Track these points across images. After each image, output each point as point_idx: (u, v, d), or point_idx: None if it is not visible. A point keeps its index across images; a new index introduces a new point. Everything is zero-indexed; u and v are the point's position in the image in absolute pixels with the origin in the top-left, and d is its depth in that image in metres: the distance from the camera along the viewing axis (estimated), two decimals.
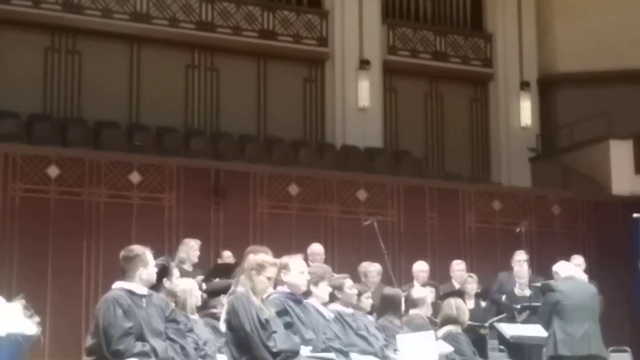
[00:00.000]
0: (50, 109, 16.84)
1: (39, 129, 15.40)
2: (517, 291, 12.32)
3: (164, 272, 7.77)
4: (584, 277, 11.64)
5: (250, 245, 9.54)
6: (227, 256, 12.11)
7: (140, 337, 6.90)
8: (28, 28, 16.74)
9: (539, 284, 11.89)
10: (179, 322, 7.45)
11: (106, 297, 7.05)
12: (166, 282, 7.85)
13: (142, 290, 7.09)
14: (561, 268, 10.89)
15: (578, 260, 12.62)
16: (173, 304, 7.77)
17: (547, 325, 10.50)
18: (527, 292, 12.22)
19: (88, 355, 7.28)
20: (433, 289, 11.60)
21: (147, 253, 7.18)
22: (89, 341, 7.18)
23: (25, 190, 13.21)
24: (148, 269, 7.12)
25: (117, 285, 7.12)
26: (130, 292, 7.04)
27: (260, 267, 7.19)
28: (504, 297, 12.48)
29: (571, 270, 10.96)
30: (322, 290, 8.20)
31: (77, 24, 17.07)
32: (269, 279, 7.23)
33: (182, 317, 7.75)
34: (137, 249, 7.22)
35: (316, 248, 12.05)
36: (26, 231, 12.98)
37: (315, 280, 8.02)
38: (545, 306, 10.59)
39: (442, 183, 16.96)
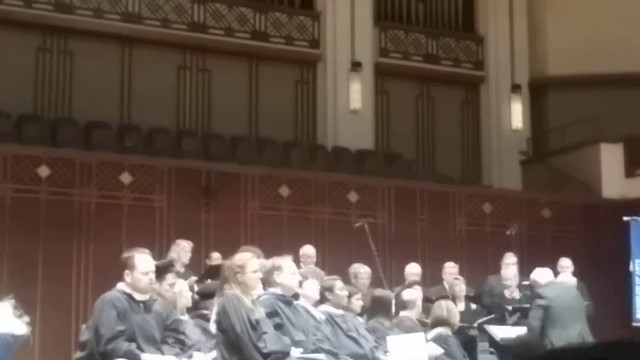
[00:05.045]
0: (42, 109, 16.81)
1: (30, 129, 15.37)
2: (507, 293, 12.33)
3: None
4: (572, 280, 11.69)
5: (240, 246, 9.55)
6: (216, 257, 12.07)
7: (133, 342, 6.88)
8: (20, 28, 16.72)
9: (527, 282, 11.91)
10: (180, 331, 7.40)
11: (104, 296, 7.03)
12: (155, 284, 7.79)
13: (140, 296, 7.04)
14: (539, 276, 10.92)
15: (566, 263, 12.64)
16: (181, 316, 7.74)
17: (537, 333, 10.48)
18: (516, 295, 12.23)
19: (81, 349, 7.29)
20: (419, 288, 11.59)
21: (137, 257, 7.09)
22: (85, 335, 7.17)
23: (15, 191, 13.18)
24: (134, 274, 7.04)
25: (119, 286, 7.08)
26: (130, 296, 6.99)
27: (241, 268, 7.14)
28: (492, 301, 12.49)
29: (549, 276, 10.99)
30: (309, 289, 8.22)
31: (69, 24, 17.05)
32: (254, 272, 7.20)
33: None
34: (130, 251, 7.17)
35: (308, 250, 12.07)
36: (16, 231, 12.95)
37: (300, 281, 8.05)
38: (536, 312, 10.60)
39: (433, 185, 16.97)
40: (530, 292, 11.57)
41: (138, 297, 7.04)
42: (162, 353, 7.10)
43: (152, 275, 7.18)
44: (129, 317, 6.90)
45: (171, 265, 8.37)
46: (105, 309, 6.87)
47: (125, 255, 7.16)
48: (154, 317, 7.11)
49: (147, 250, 7.29)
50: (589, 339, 10.38)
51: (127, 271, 7.06)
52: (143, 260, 7.11)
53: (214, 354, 7.21)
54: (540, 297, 10.58)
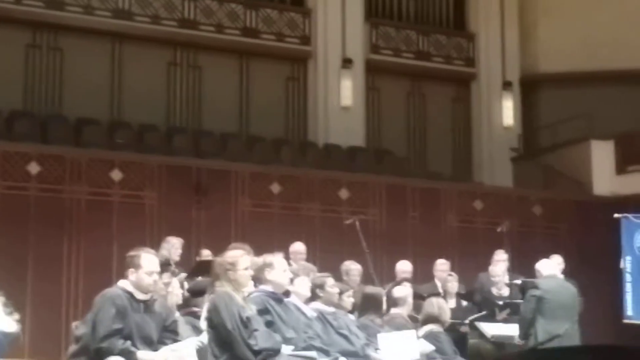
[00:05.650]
0: (32, 105, 16.76)
1: (20, 125, 15.32)
2: (494, 290, 12.32)
3: None
4: (562, 277, 11.71)
5: (231, 243, 9.52)
6: (206, 255, 12.05)
7: (128, 340, 6.84)
8: (9, 24, 16.65)
9: (519, 282, 11.92)
10: (178, 332, 7.38)
11: (105, 292, 6.99)
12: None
13: (141, 295, 7.00)
14: (543, 266, 10.96)
15: (557, 260, 12.65)
16: (177, 314, 7.72)
17: (528, 324, 10.52)
18: (505, 292, 12.23)
19: (75, 342, 7.26)
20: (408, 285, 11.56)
21: (144, 256, 7.05)
22: (81, 329, 7.13)
23: (5, 187, 13.15)
24: (139, 273, 7.00)
25: (121, 283, 7.05)
26: (130, 295, 6.96)
27: (232, 265, 7.13)
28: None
29: (553, 269, 11.02)
30: (300, 286, 8.21)
31: (59, 21, 16.99)
32: (245, 269, 7.19)
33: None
34: (137, 250, 7.13)
35: (298, 247, 12.06)
36: (6, 228, 12.91)
37: (291, 278, 8.04)
38: (529, 303, 10.62)
39: (424, 182, 16.96)
40: (520, 291, 11.59)
41: (139, 296, 7.00)
42: None
43: (156, 277, 7.16)
44: (127, 316, 6.85)
45: (167, 264, 8.35)
46: (104, 306, 6.83)
47: (132, 253, 7.12)
48: (154, 318, 7.06)
49: (153, 251, 7.28)
50: (576, 339, 10.41)
51: (131, 269, 7.02)
52: (149, 261, 7.07)
53: (197, 341, 7.17)
54: (536, 287, 10.62)
